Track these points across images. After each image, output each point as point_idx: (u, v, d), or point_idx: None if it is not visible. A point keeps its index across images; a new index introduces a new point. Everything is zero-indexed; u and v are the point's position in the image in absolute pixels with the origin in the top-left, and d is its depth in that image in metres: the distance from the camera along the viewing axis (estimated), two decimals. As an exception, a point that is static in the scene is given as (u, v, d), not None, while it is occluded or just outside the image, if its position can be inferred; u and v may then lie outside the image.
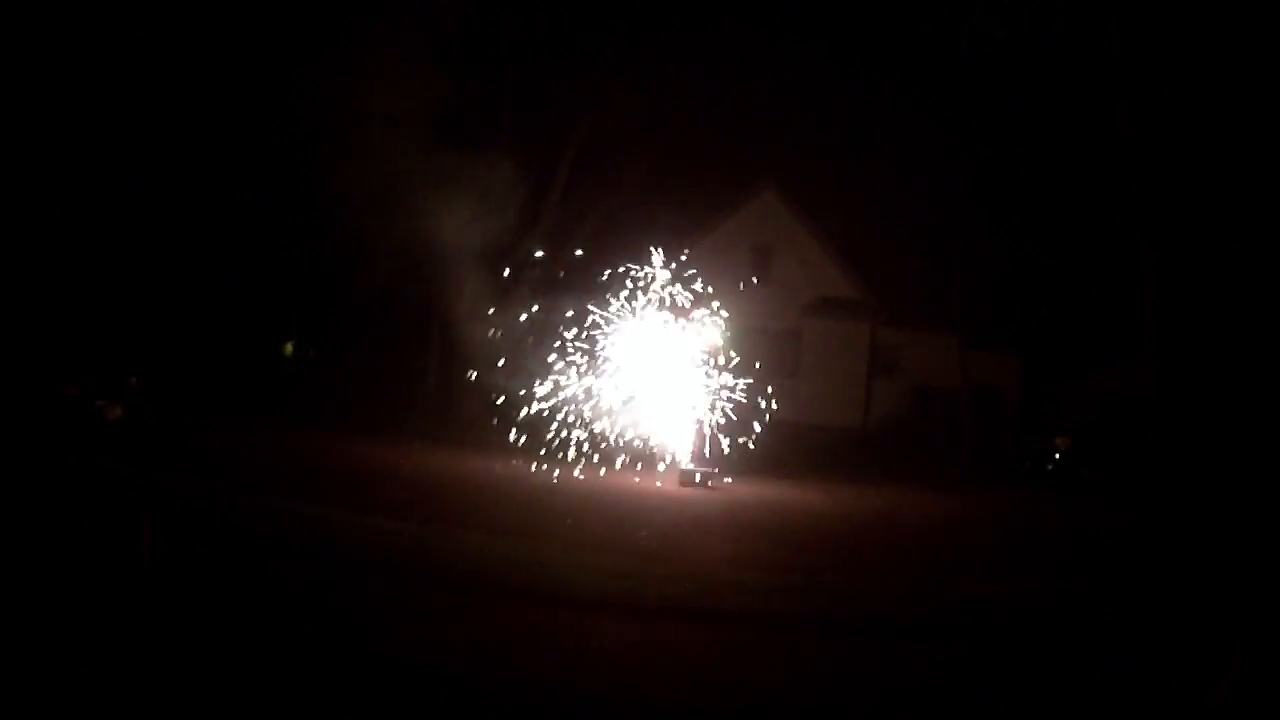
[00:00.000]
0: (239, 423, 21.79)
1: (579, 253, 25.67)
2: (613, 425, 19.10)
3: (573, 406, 19.22)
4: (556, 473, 18.24)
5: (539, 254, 25.59)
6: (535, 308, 20.51)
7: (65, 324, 22.35)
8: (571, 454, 19.14)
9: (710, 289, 19.76)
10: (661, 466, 19.45)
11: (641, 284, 19.41)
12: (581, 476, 18.32)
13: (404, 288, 25.82)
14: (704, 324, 19.68)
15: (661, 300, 19.49)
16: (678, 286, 19.53)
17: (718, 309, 19.76)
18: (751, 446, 19.83)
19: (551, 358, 19.38)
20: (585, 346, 19.24)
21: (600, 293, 19.43)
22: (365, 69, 24.62)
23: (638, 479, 18.70)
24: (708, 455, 19.51)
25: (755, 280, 28.58)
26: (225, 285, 26.22)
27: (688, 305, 19.56)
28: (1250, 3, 14.02)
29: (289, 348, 29.73)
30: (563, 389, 19.21)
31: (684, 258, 19.89)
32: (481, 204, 27.98)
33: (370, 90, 24.67)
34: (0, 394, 18.29)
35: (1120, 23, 14.67)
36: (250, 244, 26.29)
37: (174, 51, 23.46)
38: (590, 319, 19.25)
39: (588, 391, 19.15)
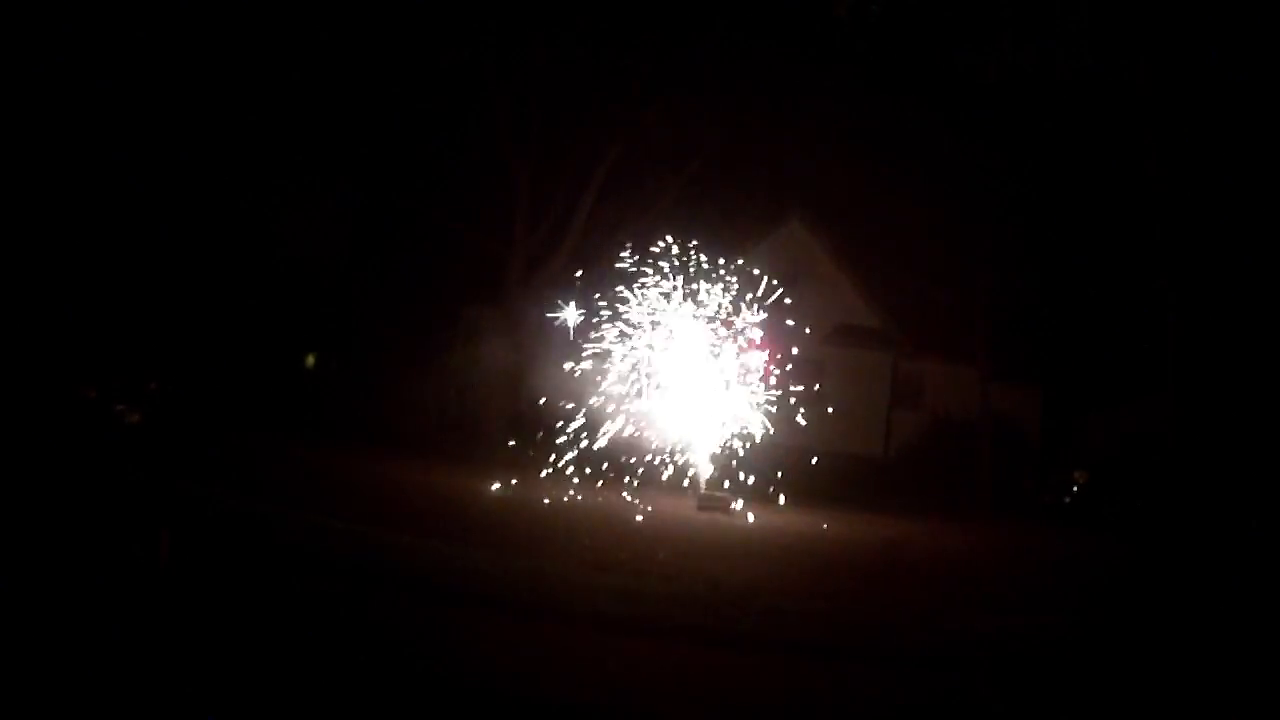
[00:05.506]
0: (257, 433, 21.77)
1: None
2: (634, 445, 18.94)
3: (595, 426, 19.09)
4: (573, 493, 18.19)
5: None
6: (571, 325, 20.31)
7: (85, 326, 22.34)
8: (590, 474, 19.06)
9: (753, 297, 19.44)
10: (683, 488, 19.34)
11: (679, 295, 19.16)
12: (600, 498, 18.28)
13: (429, 304, 25.94)
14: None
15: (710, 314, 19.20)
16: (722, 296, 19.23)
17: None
18: (757, 479, 19.65)
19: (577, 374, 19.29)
20: (615, 361, 19.06)
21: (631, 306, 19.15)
22: (399, 88, 24.91)
23: (651, 504, 18.62)
24: (727, 481, 19.40)
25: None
26: (249, 294, 26.34)
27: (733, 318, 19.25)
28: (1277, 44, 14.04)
29: (311, 359, 29.81)
30: (587, 408, 19.08)
31: (739, 264, 19.53)
32: (509, 224, 28.19)
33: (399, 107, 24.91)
34: (19, 395, 18.30)
35: (1149, 66, 14.68)
36: (274, 254, 26.46)
37: (211, 66, 23.69)
38: (624, 335, 19.06)
39: (613, 412, 18.97)
